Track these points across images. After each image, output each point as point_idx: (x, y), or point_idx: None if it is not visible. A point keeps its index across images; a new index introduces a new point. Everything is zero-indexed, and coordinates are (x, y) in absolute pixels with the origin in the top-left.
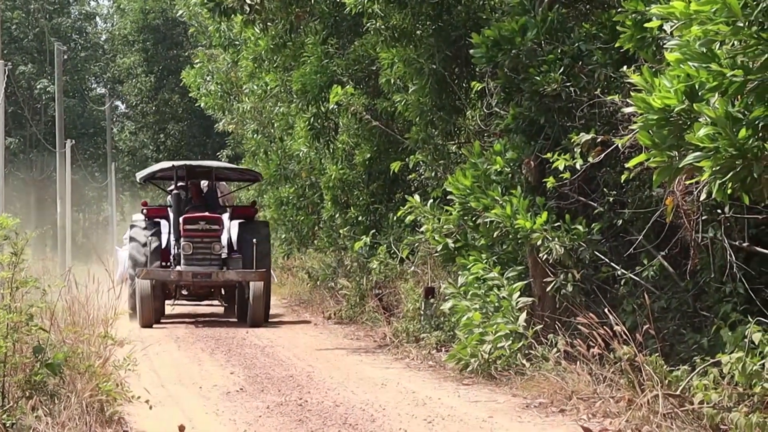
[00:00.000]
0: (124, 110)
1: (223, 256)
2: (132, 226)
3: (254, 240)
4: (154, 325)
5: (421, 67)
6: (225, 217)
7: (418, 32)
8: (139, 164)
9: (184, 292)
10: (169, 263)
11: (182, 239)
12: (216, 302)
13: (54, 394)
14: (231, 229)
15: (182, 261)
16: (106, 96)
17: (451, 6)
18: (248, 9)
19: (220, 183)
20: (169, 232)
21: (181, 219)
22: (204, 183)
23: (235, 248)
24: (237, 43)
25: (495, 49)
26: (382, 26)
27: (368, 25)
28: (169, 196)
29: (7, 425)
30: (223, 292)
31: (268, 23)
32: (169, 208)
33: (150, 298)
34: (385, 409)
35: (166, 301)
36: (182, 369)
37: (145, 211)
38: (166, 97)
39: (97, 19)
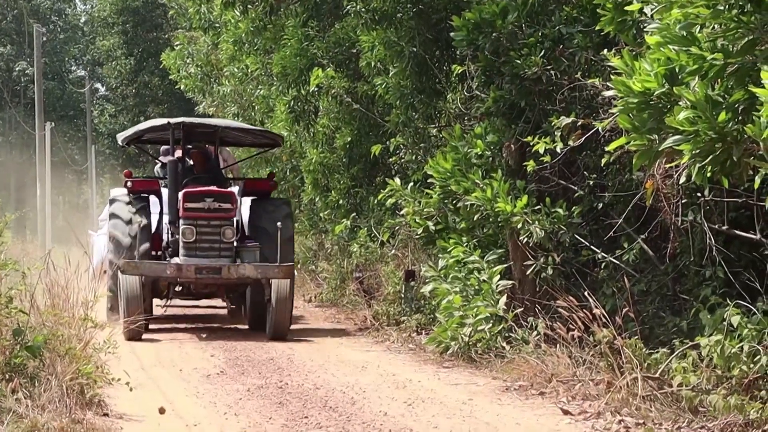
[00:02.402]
0: (104, 93)
1: (235, 244)
2: (112, 201)
3: (278, 224)
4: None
5: (401, 50)
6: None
7: (398, 15)
8: (118, 147)
9: (178, 289)
10: (161, 253)
11: (182, 221)
12: (219, 301)
13: (34, 377)
14: (242, 208)
15: (181, 251)
16: (85, 78)
17: None
18: None
19: (223, 150)
20: (161, 212)
21: (180, 195)
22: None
23: (247, 233)
24: (217, 25)
25: (476, 32)
26: (363, 9)
27: (349, 7)
28: (158, 165)
29: None
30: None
31: (248, 5)
32: (160, 181)
33: (139, 300)
34: (365, 391)
35: (156, 302)
36: (162, 352)
37: (129, 183)
38: (146, 80)
39: (77, 0)
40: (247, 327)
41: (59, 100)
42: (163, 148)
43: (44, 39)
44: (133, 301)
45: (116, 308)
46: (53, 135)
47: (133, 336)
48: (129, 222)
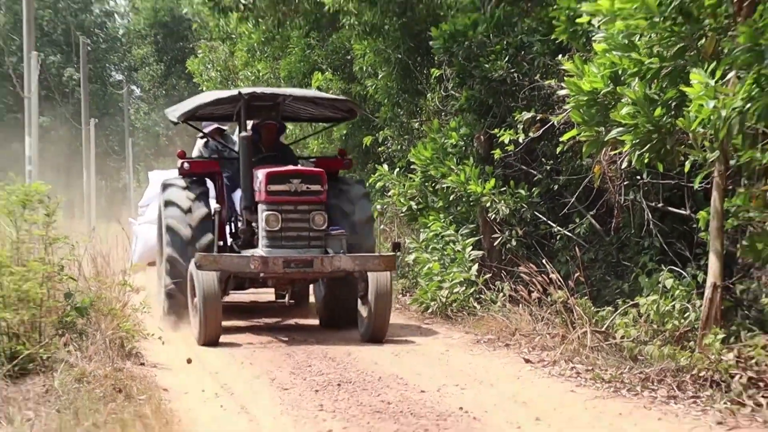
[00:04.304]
0: (139, 94)
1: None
2: (166, 186)
3: (375, 206)
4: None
5: (388, 56)
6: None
7: (386, 27)
8: (151, 139)
9: None
10: (226, 243)
11: (264, 207)
12: (265, 290)
13: (82, 332)
14: None
15: (263, 241)
16: (123, 82)
17: (414, 4)
18: (242, 7)
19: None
20: (218, 197)
21: (261, 175)
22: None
23: None
24: (233, 36)
25: (451, 41)
26: (356, 22)
27: (344, 21)
28: (201, 144)
29: (44, 358)
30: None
31: (260, 19)
32: (219, 162)
33: (217, 299)
34: (358, 345)
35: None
36: None
37: (186, 165)
38: (174, 83)
39: (116, 16)
40: (314, 321)
41: (101, 100)
42: (205, 123)
43: (89, 49)
44: (211, 300)
45: (176, 310)
46: (96, 130)
47: (212, 341)
48: (188, 211)
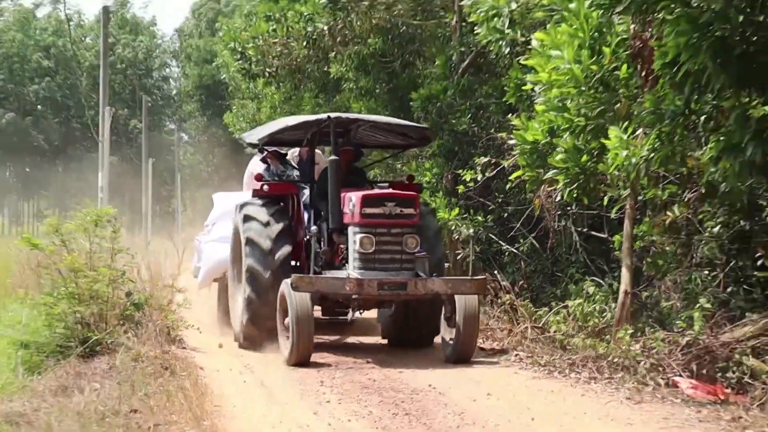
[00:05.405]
0: (187, 140)
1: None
2: (244, 204)
3: (471, 232)
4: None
5: (379, 113)
6: None
7: (377, 90)
8: (195, 174)
9: None
10: (301, 265)
11: (357, 229)
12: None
13: (138, 323)
14: None
15: (356, 263)
16: (174, 130)
17: (399, 74)
18: (267, 74)
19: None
20: (292, 218)
21: (354, 197)
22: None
23: None
24: (260, 96)
25: (426, 102)
26: (354, 86)
27: (345, 85)
28: (263, 168)
29: (108, 342)
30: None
31: (280, 84)
32: (299, 185)
33: (310, 320)
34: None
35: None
36: None
37: (266, 188)
38: (214, 131)
39: (170, 80)
40: (379, 339)
41: (157, 144)
42: (271, 148)
43: (149, 105)
44: (304, 321)
45: (259, 324)
46: (153, 166)
47: (303, 360)
48: (267, 224)
